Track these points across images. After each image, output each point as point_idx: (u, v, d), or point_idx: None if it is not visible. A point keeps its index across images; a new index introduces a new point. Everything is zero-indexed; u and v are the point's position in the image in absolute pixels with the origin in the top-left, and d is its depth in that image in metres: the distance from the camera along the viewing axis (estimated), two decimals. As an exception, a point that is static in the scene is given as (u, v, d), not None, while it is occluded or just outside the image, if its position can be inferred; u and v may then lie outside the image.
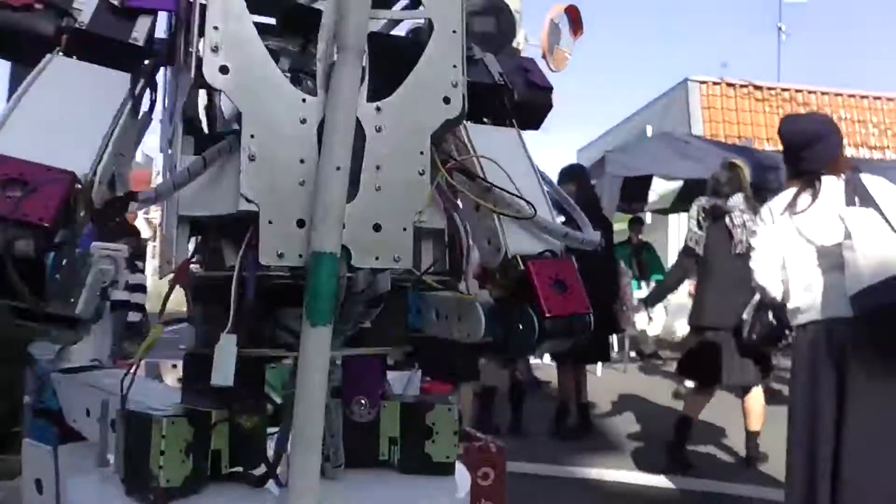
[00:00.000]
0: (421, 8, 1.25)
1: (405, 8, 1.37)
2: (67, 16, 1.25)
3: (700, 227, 5.01)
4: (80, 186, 1.11)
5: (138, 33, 1.26)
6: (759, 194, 8.45)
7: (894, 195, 2.99)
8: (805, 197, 3.05)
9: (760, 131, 14.82)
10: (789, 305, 3.10)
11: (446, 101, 1.19)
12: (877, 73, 75.02)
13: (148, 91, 1.36)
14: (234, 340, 1.11)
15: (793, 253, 3.06)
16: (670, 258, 14.14)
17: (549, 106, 1.54)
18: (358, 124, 1.10)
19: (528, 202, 1.26)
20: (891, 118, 15.61)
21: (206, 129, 1.34)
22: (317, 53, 1.16)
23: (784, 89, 15.52)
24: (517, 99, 1.45)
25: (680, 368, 5.17)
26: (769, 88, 15.38)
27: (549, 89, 1.52)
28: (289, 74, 1.24)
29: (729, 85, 15.22)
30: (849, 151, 14.73)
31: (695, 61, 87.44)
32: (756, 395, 4.63)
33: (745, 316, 3.72)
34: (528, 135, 1.52)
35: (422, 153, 1.18)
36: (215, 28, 1.09)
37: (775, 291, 3.15)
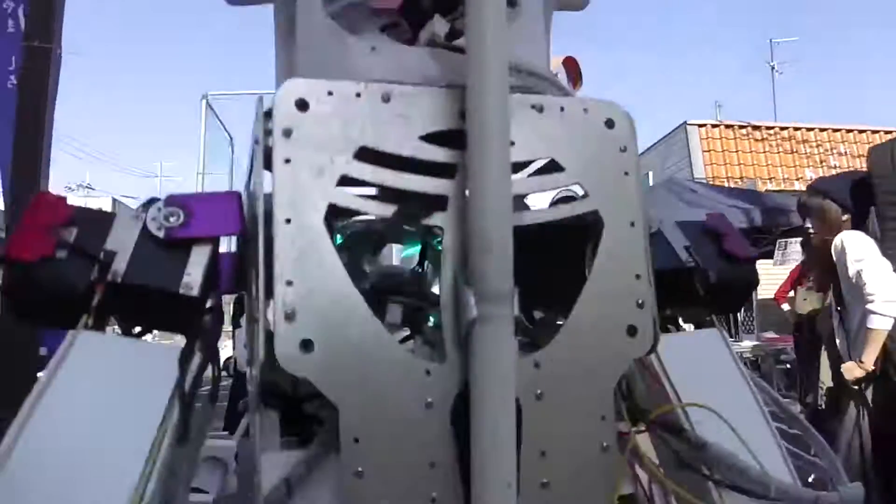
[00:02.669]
0: (579, 193, 0.93)
1: (545, 171, 0.97)
2: (99, 262, 0.92)
3: None
4: None
5: (192, 277, 0.93)
6: (770, 235, 8.43)
7: None
8: None
9: (762, 171, 14.84)
10: None
11: (631, 331, 0.86)
12: (875, 105, 75.66)
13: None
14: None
15: None
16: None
17: (755, 282, 1.12)
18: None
19: (763, 472, 0.90)
20: (891, 151, 15.64)
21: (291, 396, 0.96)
22: (440, 294, 0.84)
23: (783, 128, 15.58)
24: (713, 280, 1.05)
25: None
26: (767, 128, 15.45)
27: (752, 260, 1.13)
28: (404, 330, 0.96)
29: (727, 126, 15.30)
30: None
31: (692, 103, 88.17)
32: None
33: None
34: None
35: (603, 418, 0.85)
36: (288, 283, 0.79)
37: None
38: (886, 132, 15.82)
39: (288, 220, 0.81)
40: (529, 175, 0.98)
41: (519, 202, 0.95)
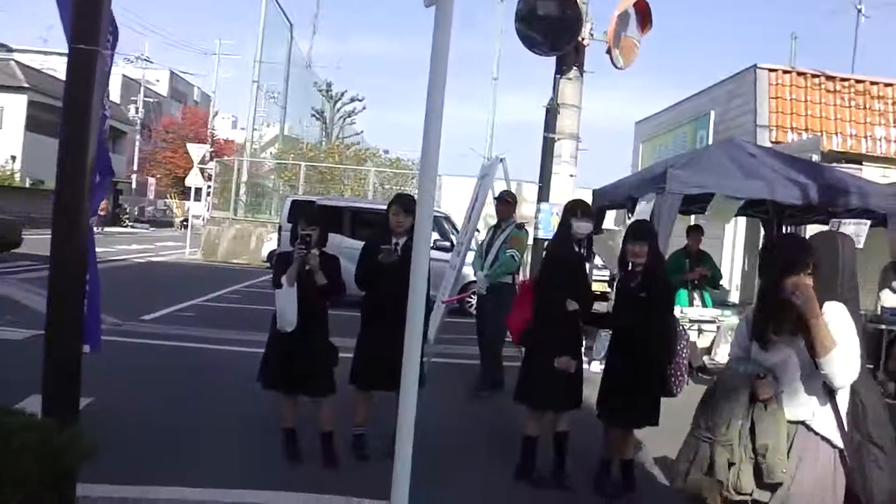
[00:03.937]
0: None
1: None
2: None
3: None
4: None
5: None
6: (822, 216, 8.27)
7: None
8: None
9: (829, 125, 14.30)
10: None
11: None
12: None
13: None
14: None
15: None
16: (724, 264, 13.86)
17: None
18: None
19: None
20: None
21: None
22: None
23: (858, 80, 14.88)
24: None
25: None
26: (842, 80, 14.76)
27: None
28: None
29: (800, 74, 14.64)
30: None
31: (766, 39, 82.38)
32: None
33: None
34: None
35: None
36: None
37: None
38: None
39: None
40: None
41: None
